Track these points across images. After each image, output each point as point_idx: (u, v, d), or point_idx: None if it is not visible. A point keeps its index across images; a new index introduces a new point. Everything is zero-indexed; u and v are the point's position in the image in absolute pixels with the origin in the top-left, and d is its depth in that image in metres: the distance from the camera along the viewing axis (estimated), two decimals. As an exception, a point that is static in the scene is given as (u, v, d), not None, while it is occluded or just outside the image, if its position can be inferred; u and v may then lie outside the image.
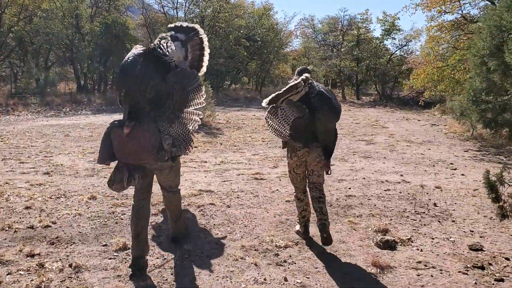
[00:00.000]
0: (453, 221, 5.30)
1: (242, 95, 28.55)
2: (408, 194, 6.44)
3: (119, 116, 13.66)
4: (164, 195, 4.34)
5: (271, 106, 4.32)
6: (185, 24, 4.28)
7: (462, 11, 10.81)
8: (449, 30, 10.83)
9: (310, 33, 37.42)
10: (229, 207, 5.61)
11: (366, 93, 33.19)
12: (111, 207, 5.39)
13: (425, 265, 4.03)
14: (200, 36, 4.23)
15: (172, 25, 4.30)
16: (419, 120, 17.27)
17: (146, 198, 3.95)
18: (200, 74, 4.19)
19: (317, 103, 4.24)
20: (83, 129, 12.54)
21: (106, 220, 4.93)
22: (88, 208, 5.34)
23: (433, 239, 4.69)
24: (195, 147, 9.28)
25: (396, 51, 27.36)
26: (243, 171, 7.68)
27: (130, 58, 3.71)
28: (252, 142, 11.08)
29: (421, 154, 9.98)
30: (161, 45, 3.83)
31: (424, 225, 5.13)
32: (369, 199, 6.13)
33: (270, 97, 4.30)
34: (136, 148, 3.55)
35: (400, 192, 6.52)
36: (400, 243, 4.53)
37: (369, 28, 28.51)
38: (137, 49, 3.82)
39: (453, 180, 7.47)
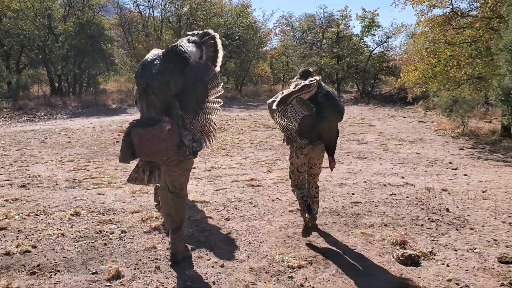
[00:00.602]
0: (472, 228, 4.91)
1: (222, 95, 27.90)
2: (416, 198, 6.05)
3: (96, 119, 12.89)
4: (170, 197, 4.11)
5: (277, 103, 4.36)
6: (200, 31, 4.39)
7: (452, 5, 10.51)
8: (439, 25, 10.51)
9: (288, 31, 37.15)
10: (228, 220, 5.12)
11: (345, 90, 33.02)
12: (98, 225, 4.83)
13: (457, 284, 3.62)
14: (215, 39, 4.28)
15: (190, 33, 4.43)
16: (404, 117, 17.05)
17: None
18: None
19: (324, 102, 4.35)
20: (60, 134, 11.86)
21: (93, 241, 4.38)
22: (72, 227, 4.77)
23: (456, 250, 4.29)
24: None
25: (376, 47, 27.16)
26: (236, 177, 7.19)
27: (150, 57, 3.84)
28: (241, 144, 10.59)
29: (416, 153, 9.65)
30: (181, 44, 3.95)
31: (442, 234, 4.73)
32: (377, 206, 5.71)
33: (280, 98, 4.37)
34: (158, 146, 3.63)
35: (407, 197, 6.13)
36: (423, 257, 4.12)
37: (349, 25, 28.25)
38: (156, 50, 3.98)
39: (457, 181, 7.12)
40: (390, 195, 6.22)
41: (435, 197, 6.12)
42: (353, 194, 6.27)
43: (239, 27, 30.08)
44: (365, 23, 26.71)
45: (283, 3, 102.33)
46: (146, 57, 3.92)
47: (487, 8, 9.51)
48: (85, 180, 6.88)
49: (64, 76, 23.32)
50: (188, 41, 4.24)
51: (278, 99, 4.34)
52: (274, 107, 4.34)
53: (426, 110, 19.75)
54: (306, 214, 4.37)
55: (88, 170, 7.60)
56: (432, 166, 8.34)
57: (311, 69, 4.96)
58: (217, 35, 4.33)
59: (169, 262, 3.92)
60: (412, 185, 6.81)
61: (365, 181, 7.00)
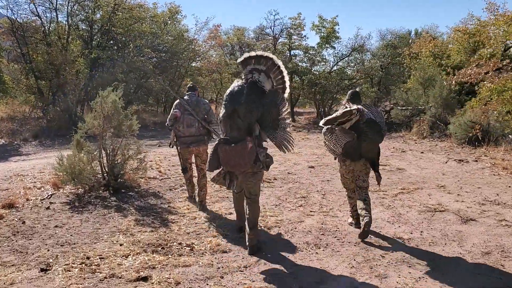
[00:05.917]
0: None
1: (148, 120, 22.32)
2: None
3: None
4: (247, 202, 4.98)
5: (327, 126, 5.33)
6: (259, 53, 4.97)
7: None
8: None
9: (215, 45, 31.88)
10: None
11: (297, 112, 28.50)
12: None
13: None
14: (277, 64, 4.96)
15: (247, 55, 4.97)
16: (422, 152, 12.59)
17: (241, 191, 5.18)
18: (285, 95, 5.01)
19: (365, 129, 5.13)
20: None
21: None
22: None
23: None
24: None
25: (336, 62, 22.85)
26: None
27: (236, 88, 4.85)
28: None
29: None
30: (260, 79, 4.87)
31: None
32: None
33: (327, 118, 5.31)
34: (239, 160, 4.63)
35: None
36: None
37: (303, 36, 23.66)
38: (238, 81, 4.97)
39: None
40: None
41: None
42: None
43: (167, 36, 24.50)
44: (322, 34, 22.38)
45: (220, 9, 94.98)
46: (232, 88, 4.90)
47: None
48: None
49: None
50: (259, 71, 4.88)
51: (326, 119, 5.31)
52: (321, 124, 5.35)
53: (422, 138, 15.70)
54: (355, 224, 5.62)
55: None
56: None
57: (357, 90, 6.12)
58: (276, 59, 4.97)
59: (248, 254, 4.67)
60: None
61: None
